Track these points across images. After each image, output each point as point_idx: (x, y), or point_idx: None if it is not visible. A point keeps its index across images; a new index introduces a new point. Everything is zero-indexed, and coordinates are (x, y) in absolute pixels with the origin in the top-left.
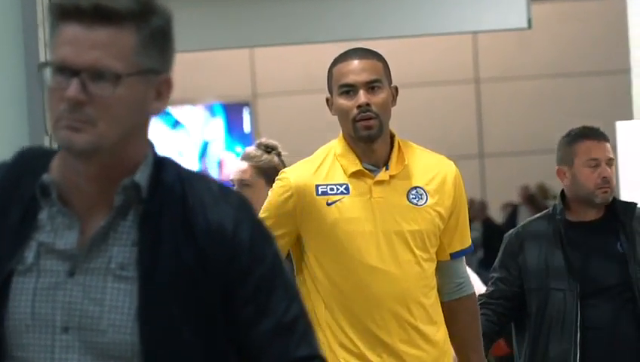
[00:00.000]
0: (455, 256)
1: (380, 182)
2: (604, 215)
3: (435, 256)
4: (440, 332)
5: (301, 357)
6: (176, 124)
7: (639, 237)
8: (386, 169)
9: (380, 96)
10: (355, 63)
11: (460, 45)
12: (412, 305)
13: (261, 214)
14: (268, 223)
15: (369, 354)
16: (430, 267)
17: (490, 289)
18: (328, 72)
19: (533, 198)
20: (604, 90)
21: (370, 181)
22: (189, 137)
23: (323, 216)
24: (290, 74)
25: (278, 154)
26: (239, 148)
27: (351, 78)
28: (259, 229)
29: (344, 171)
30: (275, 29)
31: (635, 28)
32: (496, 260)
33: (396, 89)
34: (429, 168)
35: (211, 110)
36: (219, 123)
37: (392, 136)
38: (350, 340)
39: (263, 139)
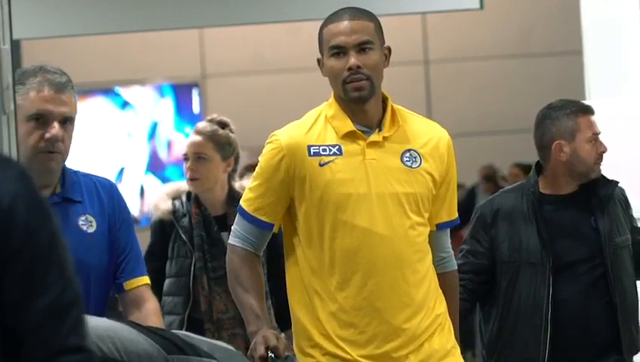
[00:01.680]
0: (441, 226)
1: (374, 144)
2: (578, 189)
3: (427, 222)
4: (437, 300)
5: (70, 346)
6: (125, 104)
7: (614, 213)
8: (379, 130)
9: (371, 58)
10: (346, 24)
11: (408, 26)
12: (407, 271)
13: (253, 181)
14: (260, 190)
15: (359, 321)
16: (424, 231)
17: (459, 262)
18: (319, 32)
19: (493, 178)
20: (556, 71)
21: (363, 142)
22: (137, 118)
23: (315, 177)
24: (239, 55)
25: (231, 131)
26: (188, 129)
27: (341, 40)
28: (37, 205)
29: (336, 132)
30: (225, 10)
31: (587, 9)
32: (467, 232)
33: (389, 49)
34: (423, 132)
35: (160, 91)
36: (168, 103)
37: (386, 99)
38: (340, 306)
39: (215, 115)
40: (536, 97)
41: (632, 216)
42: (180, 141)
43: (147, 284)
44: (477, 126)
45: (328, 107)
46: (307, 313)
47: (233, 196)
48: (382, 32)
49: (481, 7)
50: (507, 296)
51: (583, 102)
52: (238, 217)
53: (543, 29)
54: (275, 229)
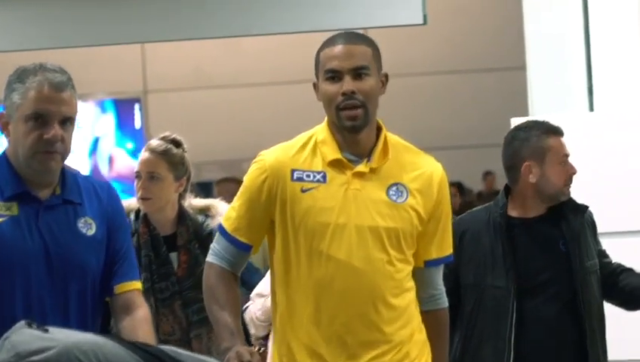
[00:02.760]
0: (430, 264)
1: (360, 174)
2: (547, 212)
3: (411, 259)
4: (416, 336)
5: None
6: None
7: (584, 237)
8: (368, 161)
9: (367, 84)
10: (342, 48)
11: None
12: (381, 306)
13: (236, 200)
14: (242, 210)
15: (329, 353)
16: (404, 268)
17: None
18: (316, 55)
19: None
20: (499, 86)
21: (349, 172)
22: (79, 133)
23: (296, 202)
24: (180, 70)
25: (184, 150)
26: (130, 145)
27: (336, 64)
28: None
29: (323, 159)
30: (166, 25)
31: (530, 24)
32: None
33: (386, 76)
34: (415, 166)
35: (102, 106)
36: (109, 119)
37: (380, 128)
38: (311, 337)
39: (168, 133)
40: (479, 113)
41: (597, 239)
42: (122, 156)
43: (138, 290)
44: (419, 142)
45: (320, 131)
46: (280, 339)
47: (183, 216)
48: (380, 59)
49: (425, 22)
50: (471, 320)
51: (515, 118)
52: (217, 235)
53: (486, 44)
54: (254, 251)
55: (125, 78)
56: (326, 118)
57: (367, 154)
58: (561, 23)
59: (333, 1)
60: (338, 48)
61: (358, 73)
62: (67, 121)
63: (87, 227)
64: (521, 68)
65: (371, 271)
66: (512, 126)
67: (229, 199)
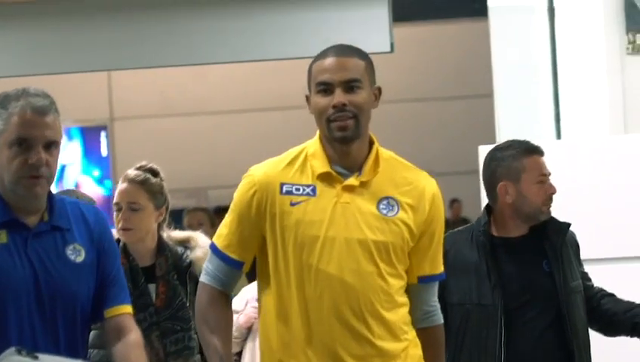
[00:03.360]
0: (423, 280)
1: (349, 187)
2: (529, 232)
3: (403, 274)
4: (409, 350)
5: None
6: None
7: (567, 258)
8: (359, 174)
9: (358, 97)
10: (334, 61)
11: None
12: (371, 321)
13: (227, 216)
14: (233, 226)
15: None
16: (396, 283)
17: None
18: (308, 68)
19: None
20: (466, 114)
21: (338, 185)
22: None
23: (285, 216)
24: (146, 98)
25: (162, 179)
26: (96, 172)
27: (327, 76)
28: None
29: (313, 172)
30: (132, 53)
31: (498, 52)
32: None
33: (379, 89)
34: (407, 181)
35: (68, 134)
36: (76, 146)
37: (372, 142)
38: (302, 351)
39: (144, 163)
40: (447, 141)
41: (580, 260)
42: (88, 184)
43: (130, 313)
44: None
45: (312, 145)
46: (269, 355)
47: (162, 247)
48: (373, 72)
49: (392, 50)
50: (458, 339)
51: (483, 146)
52: (210, 254)
53: (453, 72)
54: (246, 268)
55: (91, 106)
56: (317, 132)
57: (358, 168)
58: (529, 51)
59: (298, 28)
60: (330, 61)
61: (349, 86)
62: (51, 145)
63: (77, 254)
64: (489, 95)
65: (361, 285)
66: (480, 154)
67: (198, 229)
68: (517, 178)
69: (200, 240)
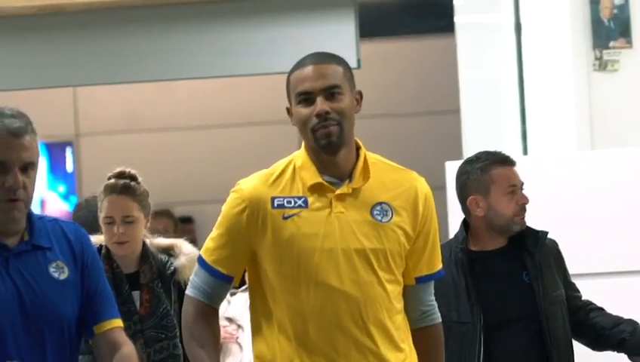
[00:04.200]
0: (421, 280)
1: (342, 196)
2: (508, 244)
3: (400, 279)
4: (408, 360)
5: None
6: None
7: (547, 268)
8: (349, 182)
9: (341, 103)
10: (312, 69)
11: (281, 85)
12: (373, 330)
13: (213, 233)
14: (221, 241)
15: None
16: (395, 289)
17: None
18: (286, 79)
19: None
20: (433, 130)
21: (330, 194)
22: None
23: (278, 230)
24: (113, 113)
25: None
26: (61, 188)
27: (307, 85)
28: None
29: (303, 184)
30: (98, 69)
31: (464, 68)
32: None
33: (360, 94)
34: (398, 183)
35: None
36: (41, 162)
37: (359, 148)
38: None
39: (121, 169)
40: (413, 157)
41: (565, 270)
42: (54, 200)
43: (120, 327)
44: None
45: (298, 156)
46: None
47: (146, 254)
48: (352, 76)
49: (359, 66)
50: None
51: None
52: (197, 267)
53: (420, 88)
54: (235, 282)
55: (57, 122)
56: (303, 143)
57: (348, 175)
58: (495, 67)
59: (266, 45)
60: (308, 70)
61: (330, 93)
62: (28, 167)
63: (59, 271)
64: (455, 112)
65: (362, 294)
66: (447, 170)
67: (164, 236)
68: (486, 190)
69: (184, 247)
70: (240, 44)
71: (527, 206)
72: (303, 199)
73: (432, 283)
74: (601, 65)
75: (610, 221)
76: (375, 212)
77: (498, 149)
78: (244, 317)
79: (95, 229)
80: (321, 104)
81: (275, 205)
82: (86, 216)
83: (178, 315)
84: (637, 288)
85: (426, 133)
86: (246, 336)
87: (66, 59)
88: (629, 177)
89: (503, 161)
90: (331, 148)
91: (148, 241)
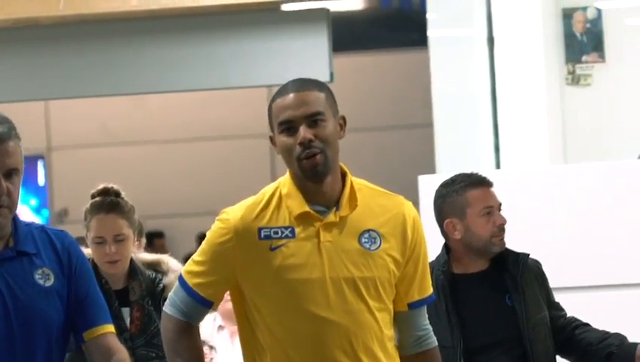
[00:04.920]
0: (414, 306)
1: (329, 225)
2: (490, 266)
3: (390, 306)
4: None
5: None
6: None
7: (530, 290)
8: (336, 210)
9: (324, 130)
10: (293, 97)
11: (254, 99)
12: (364, 359)
13: (197, 257)
14: (204, 267)
15: None
16: (385, 317)
17: None
18: (268, 108)
19: None
20: (406, 144)
21: (318, 223)
22: None
23: (266, 262)
24: (85, 127)
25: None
26: (33, 201)
27: (289, 114)
28: None
29: (290, 213)
30: (70, 83)
31: (437, 82)
32: None
33: (343, 119)
34: (385, 209)
35: None
36: None
37: (345, 175)
38: None
39: (105, 185)
40: (386, 171)
41: (548, 290)
42: (25, 213)
43: (112, 333)
44: None
45: (284, 184)
46: None
47: (135, 270)
48: (334, 102)
49: (332, 80)
50: None
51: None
52: (177, 286)
53: (393, 102)
54: (214, 307)
55: (28, 135)
56: (288, 171)
57: (335, 203)
58: (468, 81)
59: (239, 58)
60: (289, 98)
61: (313, 120)
62: (12, 173)
63: (45, 278)
64: (428, 125)
65: (352, 324)
66: (419, 184)
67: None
68: (462, 213)
69: (171, 263)
70: (213, 58)
71: (504, 226)
72: (290, 229)
73: (424, 308)
74: (574, 79)
75: (583, 235)
76: (363, 240)
77: (471, 163)
78: (215, 338)
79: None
80: (304, 132)
81: (262, 236)
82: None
83: None
84: (608, 301)
85: (399, 147)
86: (220, 357)
87: (37, 73)
88: (602, 191)
89: (479, 182)
90: (317, 178)
91: (134, 256)
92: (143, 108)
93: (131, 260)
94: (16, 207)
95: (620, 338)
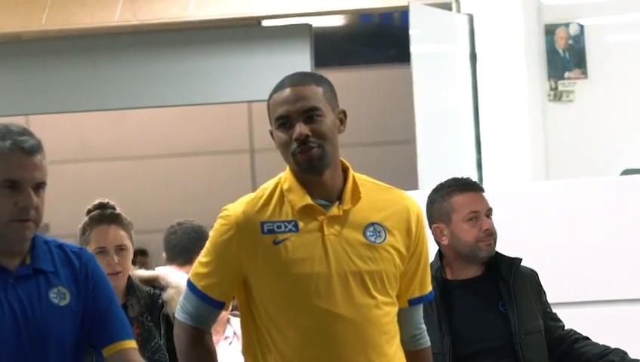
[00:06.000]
0: (413, 302)
1: (333, 218)
2: (484, 272)
3: (396, 301)
4: None
5: None
6: None
7: (524, 297)
8: (340, 203)
9: (321, 125)
10: (289, 92)
11: (234, 115)
12: (373, 355)
13: (202, 258)
14: (211, 267)
15: None
16: (391, 311)
17: None
18: (267, 102)
19: None
20: (388, 160)
21: (321, 217)
22: None
23: (270, 256)
24: (65, 142)
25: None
26: None
27: (284, 109)
28: None
29: (292, 207)
30: (50, 98)
31: (420, 98)
32: None
33: (344, 113)
34: (389, 203)
35: None
36: None
37: (347, 169)
38: None
39: (100, 200)
40: None
41: (545, 301)
42: None
43: (133, 348)
44: None
45: (285, 179)
46: None
47: (132, 286)
48: (334, 96)
49: None
50: None
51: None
52: (186, 291)
53: (375, 118)
54: (226, 308)
55: None
56: (287, 167)
57: (337, 197)
58: (451, 97)
59: (220, 74)
60: (285, 93)
61: (309, 116)
62: (40, 187)
63: (60, 297)
64: (411, 142)
65: (360, 319)
66: None
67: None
68: (448, 218)
69: (169, 278)
70: (194, 74)
71: (492, 231)
72: (293, 223)
73: (422, 306)
74: (556, 95)
75: (566, 251)
76: (368, 233)
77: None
78: None
79: (191, 253)
80: (299, 128)
81: (265, 230)
82: (181, 239)
83: (167, 349)
84: (587, 318)
85: (381, 163)
86: None
87: (20, 87)
88: (584, 208)
89: (465, 187)
90: (313, 170)
91: (130, 273)
92: (122, 123)
93: (128, 276)
94: (41, 221)
95: (621, 354)
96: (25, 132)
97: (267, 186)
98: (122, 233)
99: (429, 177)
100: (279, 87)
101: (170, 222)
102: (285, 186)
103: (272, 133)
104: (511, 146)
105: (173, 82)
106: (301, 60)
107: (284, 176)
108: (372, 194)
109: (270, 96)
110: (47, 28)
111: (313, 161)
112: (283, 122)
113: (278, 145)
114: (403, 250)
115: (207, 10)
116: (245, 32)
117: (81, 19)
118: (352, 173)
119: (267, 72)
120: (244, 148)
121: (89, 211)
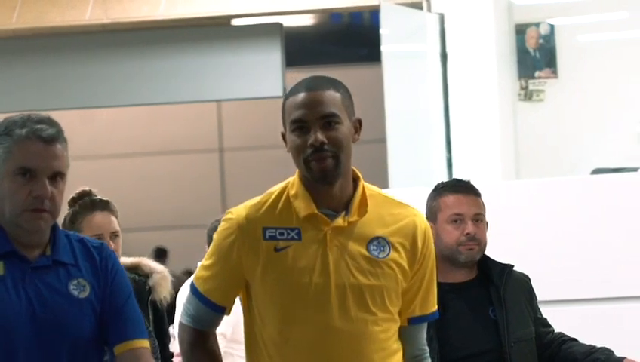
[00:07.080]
0: (414, 321)
1: (337, 229)
2: (476, 277)
3: (397, 317)
4: None
5: None
6: None
7: (515, 303)
8: (346, 214)
9: (338, 133)
10: (308, 95)
11: (204, 114)
12: None
13: (205, 261)
14: (213, 270)
15: None
16: (391, 328)
17: None
18: (282, 104)
19: None
20: (358, 159)
21: (325, 227)
22: None
23: (270, 263)
24: None
25: None
26: None
27: (302, 113)
28: None
29: (297, 214)
30: (18, 96)
31: (390, 97)
32: None
33: (359, 121)
34: (397, 218)
35: None
36: None
37: (357, 178)
38: None
39: (84, 188)
40: None
41: (537, 307)
42: None
43: (145, 348)
44: None
45: (292, 185)
46: None
47: None
48: (351, 103)
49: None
50: None
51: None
52: (189, 294)
53: None
54: (227, 312)
55: None
56: (297, 171)
57: (344, 207)
58: (421, 96)
59: (190, 73)
60: (303, 96)
61: (327, 122)
62: (57, 177)
63: (80, 289)
64: (381, 141)
65: (355, 333)
66: None
67: None
68: (434, 218)
69: (151, 265)
70: (163, 73)
71: (475, 236)
72: (296, 231)
73: (424, 326)
74: (527, 95)
75: (535, 250)
76: (372, 247)
77: (423, 178)
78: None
79: None
80: (316, 134)
81: (267, 236)
82: None
83: (155, 335)
84: (561, 315)
85: (352, 162)
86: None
87: None
88: (554, 207)
89: (456, 188)
90: (326, 181)
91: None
92: (91, 122)
93: None
94: (58, 213)
95: (607, 352)
96: (44, 120)
97: (274, 190)
98: (114, 219)
99: (400, 176)
100: (296, 90)
101: (139, 221)
102: (292, 192)
103: (283, 136)
104: (481, 145)
105: (143, 81)
106: (272, 59)
107: (292, 181)
108: (380, 207)
109: (286, 97)
110: (17, 26)
111: (327, 172)
112: (299, 126)
113: (289, 149)
114: (406, 266)
115: (177, 9)
116: (216, 31)
117: (52, 18)
118: (362, 183)
119: (237, 71)
120: (213, 148)
121: (74, 200)
